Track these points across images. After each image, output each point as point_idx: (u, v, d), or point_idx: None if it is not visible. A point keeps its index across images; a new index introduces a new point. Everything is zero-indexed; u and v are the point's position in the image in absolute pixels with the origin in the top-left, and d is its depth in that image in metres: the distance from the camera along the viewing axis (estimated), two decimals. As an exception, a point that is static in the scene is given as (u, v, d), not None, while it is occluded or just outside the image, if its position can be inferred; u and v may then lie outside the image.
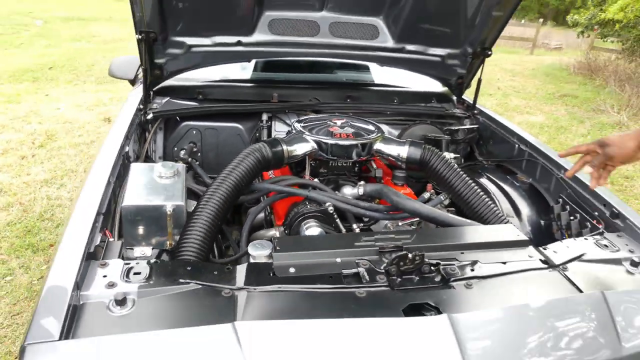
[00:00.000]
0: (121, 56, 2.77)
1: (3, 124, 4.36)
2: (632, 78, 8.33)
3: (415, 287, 1.17)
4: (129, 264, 1.16)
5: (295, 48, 2.16)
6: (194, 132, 2.14)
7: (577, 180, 1.76)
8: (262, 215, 1.76)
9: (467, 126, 2.33)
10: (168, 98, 2.16)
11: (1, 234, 2.68)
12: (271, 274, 1.18)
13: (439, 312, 1.09)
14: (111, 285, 1.09)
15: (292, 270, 1.20)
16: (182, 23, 1.92)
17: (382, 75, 2.59)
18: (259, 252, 1.26)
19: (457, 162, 1.94)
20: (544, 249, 1.41)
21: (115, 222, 1.39)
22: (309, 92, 2.32)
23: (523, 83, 9.15)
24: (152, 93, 2.12)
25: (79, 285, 1.06)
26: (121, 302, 1.04)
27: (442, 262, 1.23)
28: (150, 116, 2.01)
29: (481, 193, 1.69)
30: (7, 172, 3.39)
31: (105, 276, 1.11)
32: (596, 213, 1.65)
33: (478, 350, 1.02)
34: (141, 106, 2.01)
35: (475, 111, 2.40)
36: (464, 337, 1.02)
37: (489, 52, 2.19)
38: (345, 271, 1.21)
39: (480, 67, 2.27)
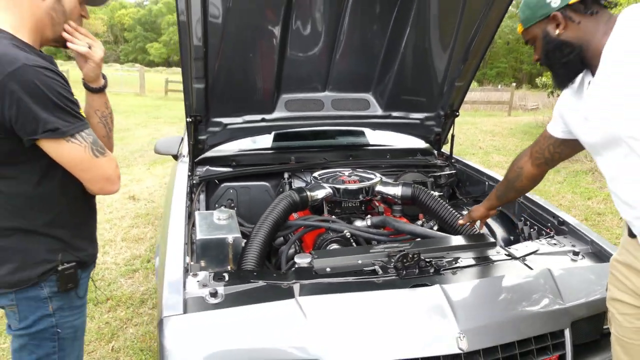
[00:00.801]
0: (163, 137, 3.35)
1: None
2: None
3: (415, 276, 1.66)
4: (213, 273, 1.64)
5: (306, 121, 2.75)
6: (231, 191, 2.67)
7: (533, 202, 2.30)
8: (292, 250, 2.25)
9: (447, 172, 2.89)
10: (207, 166, 2.71)
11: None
12: (314, 273, 1.67)
13: (432, 284, 1.59)
14: (204, 285, 1.56)
15: (328, 269, 1.69)
16: (220, 107, 2.51)
17: (375, 137, 3.19)
18: (303, 260, 1.75)
19: (441, 199, 2.47)
20: (509, 248, 1.92)
21: (192, 251, 1.88)
22: (319, 154, 2.89)
23: (503, 142, 9.90)
24: (195, 163, 2.68)
25: (185, 285, 1.54)
26: (214, 294, 1.51)
27: (433, 259, 1.73)
28: (196, 180, 2.55)
29: (455, 213, 2.23)
30: None
31: (198, 281, 1.59)
32: (549, 224, 2.17)
33: (463, 307, 1.50)
34: (189, 173, 2.56)
35: (453, 160, 2.98)
36: (452, 300, 1.51)
37: (457, 113, 2.80)
38: (365, 268, 1.70)
39: (452, 126, 2.88)
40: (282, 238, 2.25)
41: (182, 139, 3.06)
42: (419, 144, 3.11)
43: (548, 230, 2.14)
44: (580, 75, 1.34)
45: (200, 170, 2.68)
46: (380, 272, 1.68)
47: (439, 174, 2.87)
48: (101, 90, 1.44)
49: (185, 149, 2.81)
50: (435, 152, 3.09)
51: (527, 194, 2.35)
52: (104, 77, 1.45)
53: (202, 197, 2.63)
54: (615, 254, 1.48)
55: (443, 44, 2.51)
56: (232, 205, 2.65)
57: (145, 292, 3.15)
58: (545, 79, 11.72)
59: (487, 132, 11.12)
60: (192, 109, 2.40)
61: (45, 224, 1.26)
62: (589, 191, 5.89)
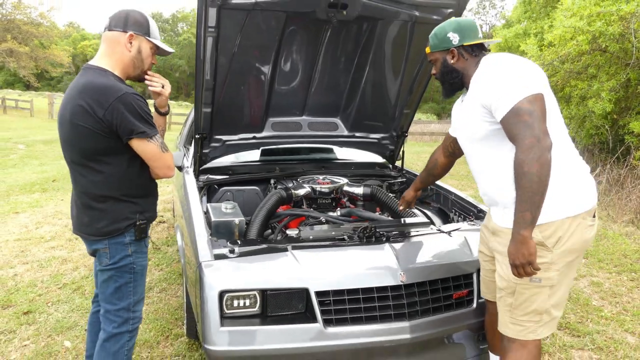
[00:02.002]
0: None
1: (39, 221, 5.35)
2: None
3: (373, 243, 2.36)
4: (228, 241, 2.30)
5: (288, 139, 3.48)
6: (228, 193, 3.33)
7: (461, 198, 3.07)
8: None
9: (399, 180, 3.64)
10: (208, 175, 3.37)
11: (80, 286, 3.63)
12: (300, 239, 2.36)
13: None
14: (224, 246, 2.22)
15: (310, 237, 2.38)
16: (221, 127, 3.19)
17: (342, 153, 3.94)
18: (292, 232, 2.44)
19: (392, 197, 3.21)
20: (439, 227, 2.66)
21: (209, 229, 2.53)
22: (298, 165, 3.61)
23: (456, 168, 10.82)
24: (199, 172, 3.33)
25: (212, 246, 2.19)
26: (232, 251, 2.17)
27: (386, 232, 2.44)
28: (200, 185, 3.20)
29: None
30: (63, 249, 4.38)
31: (222, 246, 2.24)
32: (471, 213, 2.93)
33: (404, 257, 2.21)
34: (195, 179, 3.21)
35: (404, 171, 3.75)
36: (397, 252, 2.22)
37: (406, 134, 3.59)
38: (337, 237, 2.40)
39: (402, 144, 3.66)
40: (269, 230, 2.92)
41: (184, 154, 3.71)
42: (377, 158, 3.87)
43: (471, 217, 2.90)
44: (463, 93, 2.07)
45: (202, 178, 3.34)
46: (347, 239, 2.38)
47: (392, 181, 3.62)
48: (166, 114, 2.13)
49: (187, 162, 3.48)
50: (390, 165, 3.86)
51: (458, 193, 3.13)
52: (168, 106, 2.15)
53: (204, 199, 3.28)
54: None
55: (393, 80, 3.30)
56: None
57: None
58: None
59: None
60: (201, 128, 3.08)
61: (129, 194, 1.91)
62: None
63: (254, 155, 3.65)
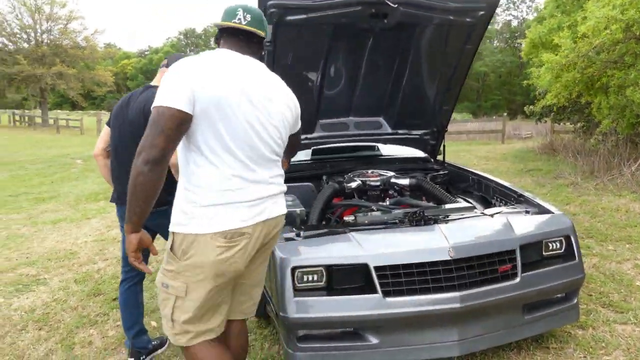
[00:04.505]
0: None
1: (108, 224, 5.87)
2: (582, 151, 10.16)
3: (423, 225, 2.63)
4: (294, 227, 2.62)
5: (336, 138, 3.79)
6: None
7: (502, 185, 3.30)
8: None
9: (441, 173, 3.89)
10: None
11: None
12: (357, 223, 2.66)
13: (432, 224, 2.58)
14: (291, 231, 2.54)
15: (366, 221, 2.67)
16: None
17: (387, 149, 4.23)
18: (349, 218, 2.74)
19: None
20: (482, 210, 2.90)
21: None
22: (346, 162, 3.91)
23: (495, 165, 10.93)
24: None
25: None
26: (298, 235, 2.50)
27: (434, 216, 2.70)
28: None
29: (448, 195, 3.22)
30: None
31: (289, 231, 2.56)
32: (512, 198, 3.15)
33: (452, 235, 2.47)
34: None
35: (445, 164, 3.99)
36: (446, 232, 2.48)
37: (446, 129, 3.84)
38: (389, 222, 2.68)
39: (443, 139, 3.91)
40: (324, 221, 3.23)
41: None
42: (420, 153, 4.13)
43: (512, 202, 3.12)
44: None
45: None
46: (399, 223, 2.66)
47: (435, 174, 3.87)
48: None
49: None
50: (432, 159, 4.11)
51: (498, 181, 3.37)
52: None
53: None
54: None
55: (432, 80, 3.57)
56: None
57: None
58: (532, 107, 12.86)
59: (482, 157, 12.18)
60: None
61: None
62: (568, 198, 6.86)
63: (306, 154, 3.98)
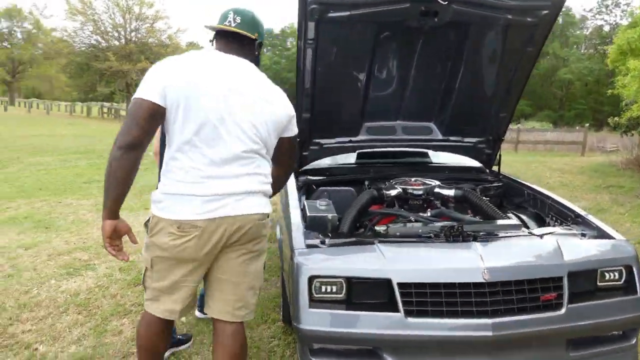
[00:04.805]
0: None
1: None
2: (672, 168, 9.19)
3: (460, 241, 2.41)
4: (321, 234, 2.49)
5: (382, 142, 3.62)
6: (325, 193, 3.55)
7: (559, 203, 2.98)
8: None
9: (495, 185, 3.60)
10: (307, 176, 3.62)
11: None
12: (387, 234, 2.49)
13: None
14: (316, 237, 2.42)
15: (397, 233, 2.49)
16: (319, 131, 3.42)
17: (438, 157, 3.99)
18: (380, 228, 2.58)
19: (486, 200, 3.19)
20: (531, 230, 2.62)
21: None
22: (392, 168, 3.73)
23: (571, 179, 10.15)
24: (298, 173, 3.60)
25: (306, 238, 2.41)
26: (323, 242, 2.37)
27: (474, 232, 2.47)
28: (299, 185, 3.46)
29: (497, 209, 2.94)
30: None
31: (315, 238, 2.44)
32: (569, 218, 2.83)
33: (489, 254, 2.24)
34: (295, 180, 3.47)
35: (501, 176, 3.69)
36: (482, 250, 2.25)
37: (502, 138, 3.55)
38: (423, 235, 2.48)
39: (499, 148, 3.62)
40: (362, 229, 3.07)
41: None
42: (473, 162, 3.86)
43: (567, 222, 2.81)
44: None
45: (302, 178, 3.60)
46: (434, 237, 2.46)
47: (488, 185, 3.58)
48: None
49: (290, 164, 3.77)
50: (487, 170, 3.82)
51: (555, 198, 3.05)
52: None
53: (303, 197, 3.53)
54: None
55: (488, 84, 3.31)
56: None
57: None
58: (618, 119, 11.85)
59: (556, 169, 11.38)
60: (301, 132, 3.33)
61: None
62: (648, 221, 6.20)
63: (350, 158, 3.84)
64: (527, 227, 3.02)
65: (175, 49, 35.37)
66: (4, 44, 49.84)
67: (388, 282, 2.15)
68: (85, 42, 35.41)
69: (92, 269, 4.16)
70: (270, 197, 2.13)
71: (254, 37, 1.99)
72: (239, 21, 1.96)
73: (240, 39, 1.97)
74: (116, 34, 35.28)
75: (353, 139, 3.56)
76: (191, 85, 1.78)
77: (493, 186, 3.59)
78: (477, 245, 2.31)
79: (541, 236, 2.51)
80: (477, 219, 3.07)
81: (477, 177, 3.69)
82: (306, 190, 3.56)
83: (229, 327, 2.03)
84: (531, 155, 16.55)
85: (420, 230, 2.54)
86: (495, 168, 3.78)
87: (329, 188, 3.56)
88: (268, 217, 2.06)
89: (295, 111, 3.21)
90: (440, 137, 3.66)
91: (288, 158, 2.23)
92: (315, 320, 2.13)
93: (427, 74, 3.32)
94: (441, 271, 2.18)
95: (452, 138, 3.66)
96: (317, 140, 3.48)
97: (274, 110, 1.95)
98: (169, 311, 2.00)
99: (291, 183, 3.32)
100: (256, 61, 2.02)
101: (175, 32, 36.21)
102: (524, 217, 3.15)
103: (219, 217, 1.83)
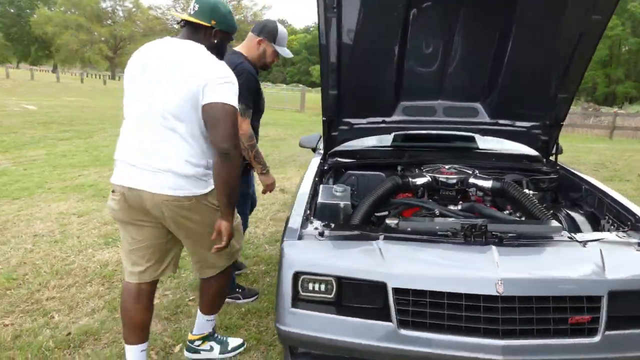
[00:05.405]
0: (306, 135, 4.15)
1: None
2: None
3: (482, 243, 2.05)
4: (325, 223, 2.25)
5: (420, 124, 3.26)
6: (353, 177, 3.28)
7: (618, 203, 2.49)
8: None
9: (549, 177, 3.11)
10: (337, 158, 3.36)
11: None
12: (397, 229, 2.19)
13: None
14: (316, 229, 2.18)
15: (409, 229, 2.18)
16: (349, 110, 3.12)
17: (484, 142, 3.54)
18: (392, 221, 2.27)
19: (530, 194, 2.74)
20: (574, 234, 2.18)
21: (314, 210, 2.52)
22: (430, 154, 3.36)
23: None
24: (327, 154, 3.35)
25: (302, 227, 2.18)
26: (321, 234, 2.12)
27: (500, 233, 2.09)
28: (327, 167, 3.22)
29: (540, 206, 2.51)
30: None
31: (315, 228, 2.21)
32: (628, 222, 2.35)
33: (509, 262, 1.89)
34: (321, 161, 3.23)
35: (558, 167, 3.19)
36: (501, 256, 1.90)
37: (562, 123, 3.04)
38: (439, 233, 2.15)
39: (558, 135, 3.11)
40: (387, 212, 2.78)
41: (320, 136, 3.78)
42: (527, 150, 3.38)
43: (625, 227, 2.33)
44: None
45: (331, 160, 3.35)
46: (451, 236, 2.12)
47: (541, 177, 3.11)
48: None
49: (321, 144, 3.52)
50: (543, 159, 3.32)
51: (615, 197, 2.55)
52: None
53: (331, 181, 3.29)
54: None
55: (544, 61, 2.82)
56: (354, 188, 3.24)
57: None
58: None
59: (654, 160, 10.06)
60: (327, 111, 3.07)
61: None
62: None
63: (384, 140, 3.52)
64: (576, 230, 2.58)
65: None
66: (107, 22, 53.53)
67: (383, 286, 1.88)
68: (177, 19, 36.90)
69: (128, 241, 4.23)
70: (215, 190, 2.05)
71: (208, 24, 2.06)
72: (196, 9, 2.05)
73: (195, 27, 2.07)
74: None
75: (387, 119, 3.23)
76: (130, 66, 2.06)
77: (547, 178, 3.12)
78: (495, 250, 1.95)
79: (584, 243, 2.08)
80: (513, 217, 2.66)
81: (529, 167, 3.22)
82: (334, 173, 3.31)
83: (204, 282, 2.38)
84: (629, 143, 14.87)
85: (437, 227, 2.21)
86: (554, 158, 3.28)
87: (357, 172, 3.29)
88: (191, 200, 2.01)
89: (321, 88, 2.98)
90: (487, 119, 3.22)
91: (215, 135, 1.92)
92: (297, 322, 1.91)
93: (474, 48, 2.90)
94: (446, 279, 1.86)
95: (501, 121, 3.20)
96: (346, 120, 3.20)
97: (195, 79, 1.90)
98: (129, 273, 2.18)
99: (313, 164, 3.09)
100: (218, 47, 2.11)
101: (261, 9, 36.66)
102: (577, 216, 2.69)
103: (125, 186, 2.00)
